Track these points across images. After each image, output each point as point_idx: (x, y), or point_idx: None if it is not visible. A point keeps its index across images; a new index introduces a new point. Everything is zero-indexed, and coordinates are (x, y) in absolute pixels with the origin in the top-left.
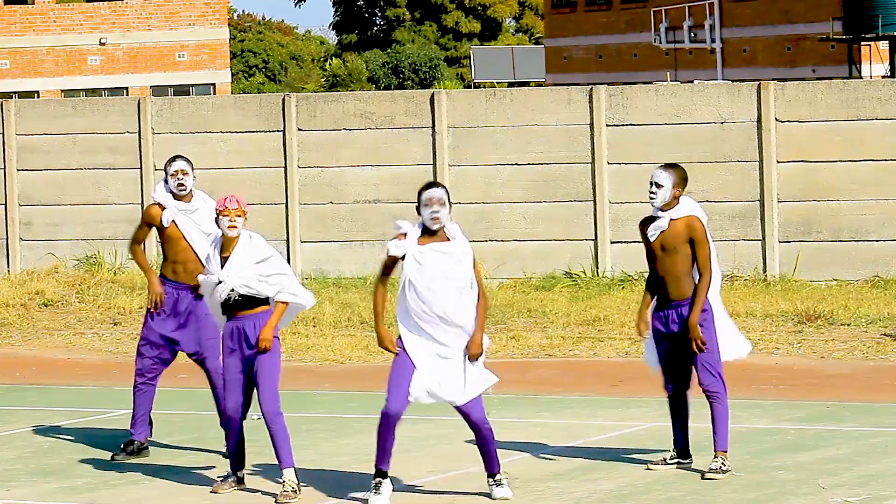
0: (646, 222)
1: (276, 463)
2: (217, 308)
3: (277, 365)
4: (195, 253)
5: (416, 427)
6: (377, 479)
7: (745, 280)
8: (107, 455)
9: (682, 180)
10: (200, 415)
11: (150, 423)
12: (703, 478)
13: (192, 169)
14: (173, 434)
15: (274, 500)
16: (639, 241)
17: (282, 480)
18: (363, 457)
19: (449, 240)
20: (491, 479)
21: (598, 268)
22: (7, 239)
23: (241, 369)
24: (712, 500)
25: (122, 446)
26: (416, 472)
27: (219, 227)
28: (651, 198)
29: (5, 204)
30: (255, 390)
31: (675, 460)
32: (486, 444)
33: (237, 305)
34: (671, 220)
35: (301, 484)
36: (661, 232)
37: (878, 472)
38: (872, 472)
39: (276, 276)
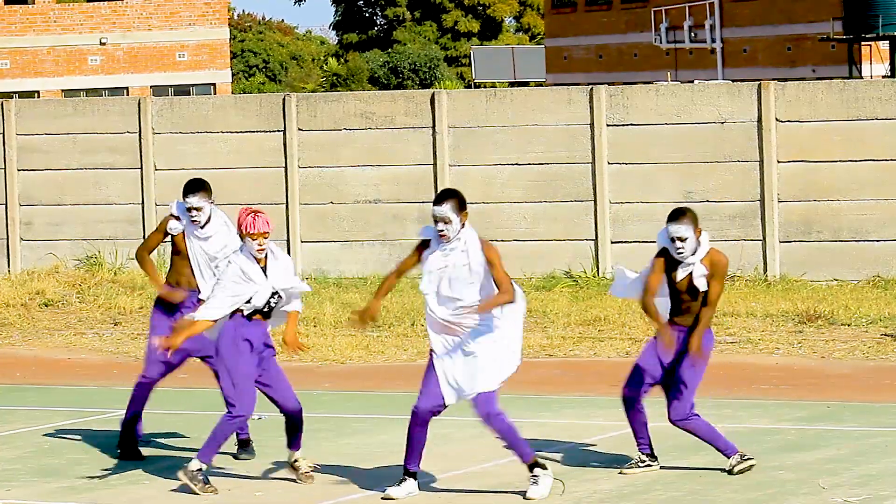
0: (667, 257)
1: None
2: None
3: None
4: (193, 274)
5: None
6: (403, 477)
7: (746, 280)
8: (107, 454)
9: (696, 221)
10: (200, 415)
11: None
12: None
13: (210, 196)
14: (173, 434)
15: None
16: (638, 241)
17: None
18: (363, 457)
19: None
20: (529, 474)
21: (598, 268)
22: (7, 239)
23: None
24: (712, 500)
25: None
26: None
27: (243, 242)
28: (679, 253)
29: (6, 204)
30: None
31: (646, 464)
32: (502, 437)
33: (265, 312)
34: (701, 260)
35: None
36: (704, 276)
37: (878, 472)
38: (872, 472)
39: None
